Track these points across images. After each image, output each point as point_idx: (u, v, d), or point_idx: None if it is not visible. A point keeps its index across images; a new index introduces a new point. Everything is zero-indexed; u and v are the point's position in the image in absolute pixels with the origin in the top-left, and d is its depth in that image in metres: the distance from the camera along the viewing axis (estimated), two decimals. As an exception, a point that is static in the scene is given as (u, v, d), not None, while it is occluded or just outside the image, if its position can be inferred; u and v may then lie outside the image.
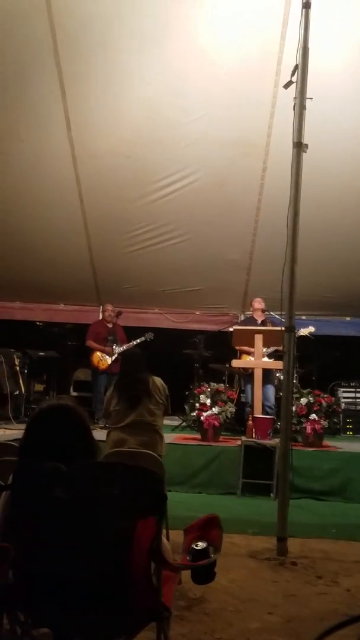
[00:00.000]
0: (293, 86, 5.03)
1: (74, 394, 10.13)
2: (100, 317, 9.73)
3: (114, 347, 9.04)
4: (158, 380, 4.97)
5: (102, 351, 9.18)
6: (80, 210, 8.84)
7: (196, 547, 2.62)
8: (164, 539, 2.60)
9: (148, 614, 2.34)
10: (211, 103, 7.42)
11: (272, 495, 6.61)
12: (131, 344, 9.07)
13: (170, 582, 2.61)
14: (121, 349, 8.97)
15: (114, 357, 8.93)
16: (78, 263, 9.70)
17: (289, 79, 5.05)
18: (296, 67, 4.97)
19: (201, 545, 2.62)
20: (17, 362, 9.42)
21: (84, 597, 2.29)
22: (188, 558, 2.63)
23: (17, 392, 9.26)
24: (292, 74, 5.01)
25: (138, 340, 9.14)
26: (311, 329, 8.68)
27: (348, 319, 10.83)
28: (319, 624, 3.24)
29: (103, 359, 9.17)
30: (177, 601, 3.54)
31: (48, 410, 2.52)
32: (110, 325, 9.39)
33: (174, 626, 3.19)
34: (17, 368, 9.44)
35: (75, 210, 8.83)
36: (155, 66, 7.12)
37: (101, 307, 9.87)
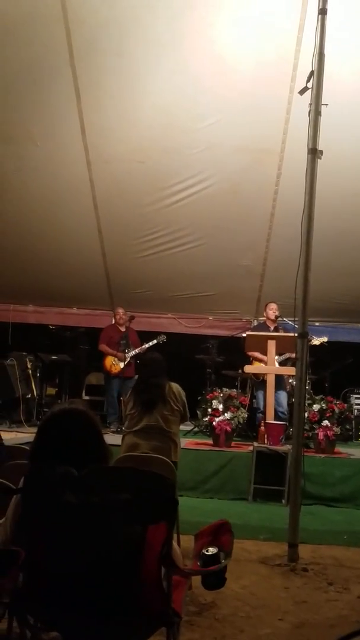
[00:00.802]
0: (308, 92, 5.03)
1: (86, 397, 10.15)
2: (113, 322, 9.72)
3: (126, 351, 9.04)
4: (175, 387, 4.96)
5: (115, 355, 9.18)
6: (94, 215, 8.88)
7: (207, 553, 2.61)
8: (175, 544, 2.60)
9: (158, 618, 2.34)
10: (226, 108, 7.43)
11: (283, 501, 6.59)
12: (144, 347, 9.08)
13: (180, 587, 2.61)
14: (134, 352, 8.98)
15: (126, 361, 8.94)
16: (91, 267, 9.73)
17: (305, 85, 5.05)
18: (312, 73, 4.97)
19: (212, 550, 2.61)
20: (29, 365, 9.46)
21: (94, 601, 2.30)
22: (199, 563, 2.63)
23: (29, 396, 9.30)
24: (308, 80, 5.01)
25: (150, 344, 9.13)
26: (324, 338, 8.66)
27: (361, 325, 10.80)
28: (329, 630, 3.23)
29: (115, 363, 9.18)
30: (187, 606, 3.54)
31: (60, 414, 2.53)
32: (123, 329, 9.38)
33: (184, 631, 3.19)
34: (30, 371, 9.48)
35: (89, 214, 8.86)
36: (170, 71, 7.14)
37: (113, 311, 9.87)
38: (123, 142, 7.90)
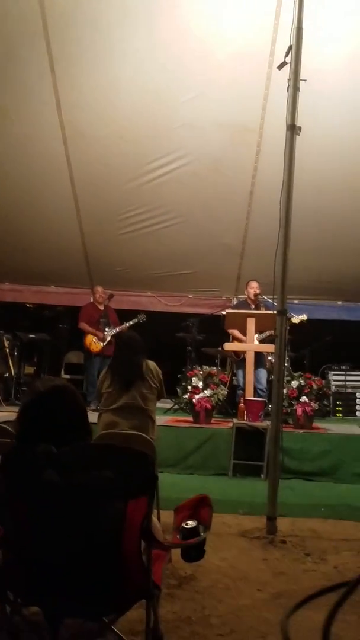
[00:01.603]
0: (287, 67, 5.01)
1: (66, 376, 10.15)
2: (91, 300, 9.68)
3: (106, 329, 9.03)
4: (152, 365, 4.97)
5: (95, 334, 9.17)
6: (71, 192, 8.80)
7: (186, 526, 2.65)
8: (154, 519, 2.63)
9: (138, 591, 2.37)
10: (204, 84, 7.37)
11: (262, 476, 6.68)
12: (124, 325, 9.08)
13: (160, 560, 2.65)
14: (114, 331, 8.98)
15: (107, 340, 8.94)
16: (69, 245, 9.67)
17: (283, 60, 5.03)
18: (290, 48, 4.94)
19: (191, 524, 2.65)
20: (6, 344, 9.43)
21: (75, 576, 2.32)
22: (178, 537, 2.67)
23: (7, 374, 9.27)
24: (286, 55, 4.98)
25: (131, 322, 9.14)
26: (304, 316, 8.71)
27: (340, 303, 10.86)
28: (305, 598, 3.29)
29: (96, 342, 9.17)
30: (168, 579, 3.59)
31: (47, 391, 2.52)
32: (102, 308, 9.37)
33: (164, 604, 3.24)
34: (7, 350, 9.45)
35: (67, 191, 8.79)
36: (147, 46, 7.07)
37: (91, 289, 9.82)
38: (100, 118, 7.82)
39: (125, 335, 5.61)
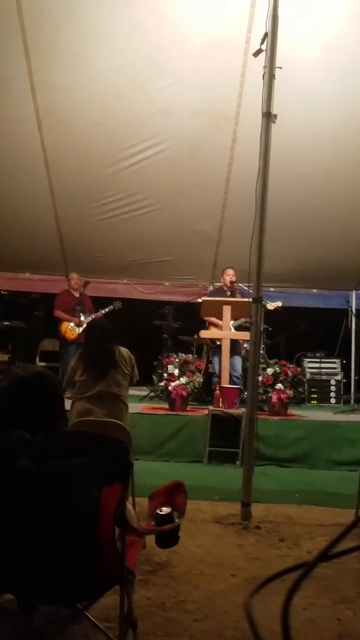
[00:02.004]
0: (263, 55, 5.00)
1: (41, 364, 10.09)
2: (66, 287, 9.63)
3: (81, 316, 8.99)
4: (124, 351, 4.97)
5: (71, 321, 9.14)
6: (46, 178, 8.70)
7: (161, 512, 2.67)
8: (128, 505, 2.64)
9: (112, 578, 2.38)
10: (180, 70, 7.31)
11: (238, 462, 6.74)
12: (100, 313, 9.06)
13: (134, 546, 2.66)
14: (90, 318, 8.94)
15: (83, 327, 8.90)
16: (44, 231, 9.58)
17: (259, 47, 5.02)
18: (265, 35, 4.94)
19: (165, 510, 2.67)
20: (-20, 331, 9.36)
21: (48, 563, 2.32)
22: (153, 523, 2.68)
23: (-19, 362, 9.21)
24: (262, 42, 4.98)
25: (107, 309, 9.11)
26: (279, 303, 8.76)
27: (315, 291, 10.95)
28: (280, 584, 3.33)
29: (72, 329, 9.13)
30: (143, 566, 3.61)
31: (26, 377, 2.50)
32: (77, 295, 9.32)
33: (139, 590, 3.26)
34: (-19, 337, 9.38)
35: (41, 177, 8.68)
36: (123, 32, 6.98)
37: (66, 276, 9.76)
38: (75, 103, 7.72)
39: (95, 323, 5.56)
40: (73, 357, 5.23)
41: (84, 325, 8.88)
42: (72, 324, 9.13)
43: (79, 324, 8.95)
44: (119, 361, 4.85)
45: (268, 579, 0.76)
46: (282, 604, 0.70)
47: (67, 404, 5.13)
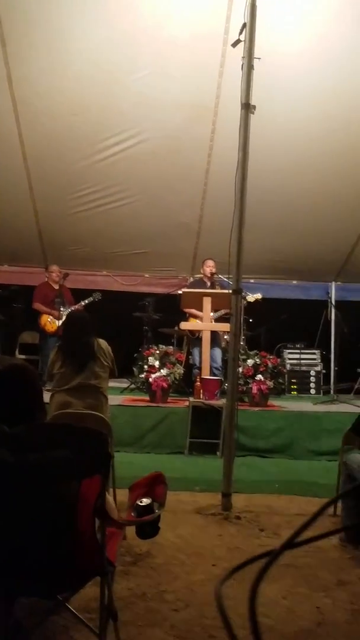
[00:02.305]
0: (241, 46, 4.99)
1: (21, 356, 10.03)
2: (46, 279, 9.57)
3: (61, 309, 8.95)
4: (103, 343, 4.96)
5: (50, 314, 9.10)
6: (24, 170, 8.63)
7: (141, 504, 2.67)
8: (108, 497, 2.64)
9: (92, 569, 2.39)
10: (158, 60, 7.27)
11: (218, 453, 6.75)
12: (80, 304, 9.03)
13: (115, 538, 2.67)
14: (69, 310, 8.90)
15: (62, 320, 8.87)
16: (23, 223, 9.50)
17: (237, 38, 5.01)
18: (244, 25, 4.93)
19: (145, 501, 2.67)
20: None
21: (29, 554, 2.32)
22: (133, 514, 2.69)
23: None
24: (240, 33, 4.97)
25: (86, 301, 9.09)
26: (259, 295, 8.78)
27: (295, 282, 10.99)
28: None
29: (51, 322, 9.09)
30: (123, 557, 3.62)
31: (7, 369, 2.50)
32: (56, 287, 9.28)
33: (120, 580, 3.27)
34: None
35: (19, 168, 8.60)
36: (100, 22, 6.93)
37: (45, 268, 9.70)
38: (53, 94, 7.65)
39: (73, 316, 5.52)
40: (52, 349, 5.22)
41: (63, 317, 8.84)
42: (51, 317, 9.09)
43: (58, 317, 8.91)
44: (97, 353, 4.84)
45: (237, 567, 0.76)
46: (250, 589, 0.71)
47: (47, 397, 5.14)
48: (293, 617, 3.04)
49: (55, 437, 2.40)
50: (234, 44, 5.07)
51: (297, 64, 7.19)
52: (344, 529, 3.56)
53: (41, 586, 2.42)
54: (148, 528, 2.69)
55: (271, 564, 0.73)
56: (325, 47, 7.01)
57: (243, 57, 4.95)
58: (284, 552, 0.75)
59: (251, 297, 8.64)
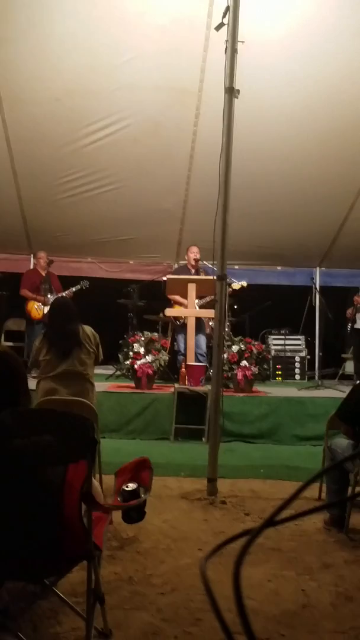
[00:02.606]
0: (225, 29, 4.96)
1: (8, 343, 10.00)
2: (32, 266, 9.52)
3: (48, 295, 8.94)
4: (88, 329, 4.94)
5: (37, 300, 9.07)
6: (7, 155, 8.54)
7: (127, 489, 2.68)
8: (95, 482, 2.65)
9: (79, 553, 2.40)
10: (142, 45, 7.20)
11: (204, 439, 6.79)
12: (69, 291, 9.01)
13: (101, 522, 2.68)
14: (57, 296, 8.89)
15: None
16: (7, 210, 9.42)
17: (220, 21, 4.97)
18: (227, 8, 4.89)
19: (132, 486, 2.68)
20: None
21: (15, 539, 2.33)
22: (119, 499, 2.70)
23: None
24: (224, 16, 4.93)
25: (74, 288, 9.09)
26: (244, 282, 8.80)
27: (279, 268, 11.02)
28: (245, 558, 3.38)
29: (38, 309, 9.08)
30: (110, 542, 3.64)
31: None
32: (44, 274, 9.27)
33: (106, 565, 3.28)
34: None
35: (3, 154, 8.51)
36: (82, 6, 6.85)
37: (33, 255, 9.64)
38: (37, 79, 7.56)
39: (58, 302, 5.50)
40: (37, 336, 5.20)
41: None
42: (38, 303, 9.07)
43: (45, 303, 8.88)
44: (83, 340, 4.83)
45: (221, 545, 0.77)
46: (234, 564, 0.71)
47: (32, 384, 5.13)
48: (278, 599, 3.07)
49: (40, 423, 2.41)
50: (218, 28, 5.04)
51: (281, 47, 7.14)
52: (325, 507, 3.59)
53: (28, 570, 2.43)
54: (134, 513, 2.70)
55: (253, 540, 0.73)
56: (310, 31, 6.97)
57: (226, 41, 4.92)
58: (265, 529, 0.76)
59: (237, 285, 8.66)
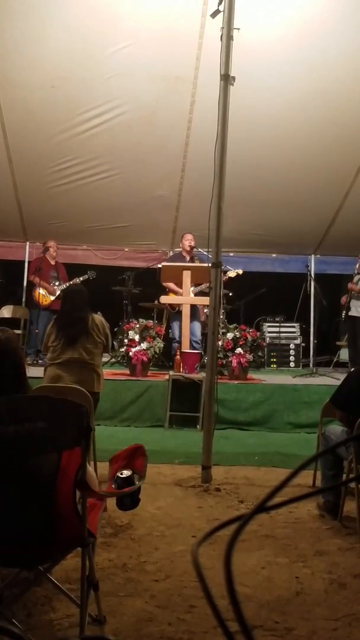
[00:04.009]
0: (220, 16, 4.93)
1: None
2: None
3: (55, 284, 9.01)
4: (98, 319, 4.96)
5: (45, 287, 9.12)
6: (3, 143, 8.48)
7: (121, 476, 2.69)
8: (89, 468, 2.66)
9: (73, 540, 2.41)
10: (136, 32, 7.15)
11: (198, 426, 6.81)
12: (75, 281, 9.03)
13: (95, 509, 2.69)
14: (63, 286, 8.91)
15: (57, 294, 8.94)
16: (2, 197, 9.37)
17: (216, 8, 4.94)
18: (223, -5, 4.86)
19: (126, 473, 2.69)
20: None
21: (9, 525, 2.33)
22: (113, 486, 2.71)
23: None
24: (219, 3, 4.90)
25: (81, 278, 9.11)
26: (239, 270, 8.79)
27: (274, 255, 11.01)
28: (239, 544, 3.41)
29: (45, 295, 9.12)
30: (104, 529, 3.65)
31: None
32: (53, 263, 9.37)
33: (100, 552, 3.30)
34: None
35: (-1, 142, 8.47)
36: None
37: (44, 243, 9.62)
38: (32, 66, 7.49)
39: (71, 289, 5.53)
40: (49, 323, 5.23)
41: (57, 292, 8.91)
42: (45, 290, 9.11)
43: (52, 292, 8.93)
44: (90, 329, 4.83)
45: (213, 530, 0.77)
46: (225, 548, 0.72)
47: (34, 371, 5.14)
48: (272, 586, 3.09)
49: (35, 410, 2.41)
50: (213, 15, 5.01)
51: (276, 34, 7.10)
52: (317, 492, 3.61)
53: (22, 557, 2.44)
54: (128, 500, 2.71)
55: (245, 525, 0.73)
56: (306, 18, 6.93)
57: (222, 28, 4.88)
58: (257, 515, 0.76)
59: (232, 272, 8.67)
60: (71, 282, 8.94)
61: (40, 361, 8.59)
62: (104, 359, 8.83)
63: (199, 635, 2.56)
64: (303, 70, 7.43)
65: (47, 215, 9.79)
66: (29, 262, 9.57)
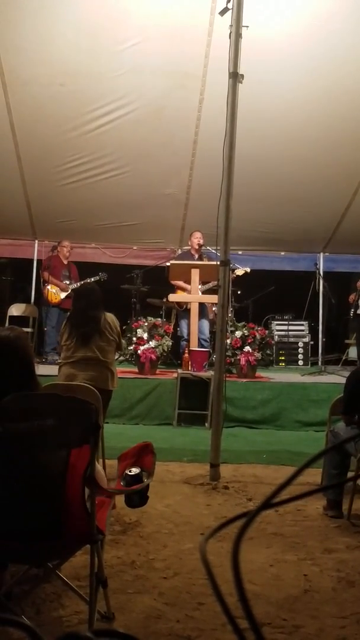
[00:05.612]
0: (229, 14, 4.92)
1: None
2: (55, 253, 9.51)
3: (66, 282, 9.05)
4: (110, 317, 4.97)
5: (57, 285, 9.15)
6: (12, 140, 8.50)
7: (130, 473, 2.70)
8: (98, 466, 2.67)
9: (82, 537, 2.42)
10: (146, 30, 7.15)
11: (207, 424, 6.81)
12: (86, 281, 9.05)
13: (104, 507, 2.70)
14: (75, 285, 8.94)
15: (68, 293, 8.97)
16: (11, 196, 9.39)
17: (225, 6, 4.93)
18: (232, -8, 4.86)
19: (134, 471, 2.70)
20: None
21: (19, 522, 2.35)
22: (122, 483, 2.72)
23: None
24: (228, 1, 4.89)
25: (93, 279, 9.12)
26: (247, 269, 8.79)
27: (282, 253, 10.97)
28: (247, 542, 3.41)
29: (56, 293, 9.15)
30: (113, 526, 3.66)
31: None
32: (65, 262, 9.42)
33: (109, 549, 3.31)
34: None
35: (7, 139, 8.48)
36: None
37: (58, 243, 9.64)
38: (42, 64, 7.51)
39: (84, 288, 5.56)
40: (63, 322, 5.26)
41: (69, 290, 8.95)
42: (56, 288, 9.14)
43: (64, 290, 9.04)
44: (103, 327, 4.84)
45: (219, 526, 0.78)
46: (233, 543, 0.72)
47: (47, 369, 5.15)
48: (280, 584, 3.09)
49: (44, 407, 2.42)
50: (222, 13, 5.00)
51: (285, 32, 7.08)
52: (321, 489, 3.61)
53: (31, 553, 2.45)
54: (137, 497, 2.72)
55: (252, 521, 0.74)
56: (314, 15, 6.91)
57: (231, 26, 4.88)
58: (263, 511, 0.77)
59: (240, 270, 8.66)
60: (83, 282, 8.95)
61: (48, 359, 8.62)
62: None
63: (207, 633, 2.57)
64: (312, 66, 7.40)
65: (56, 213, 9.80)
66: (40, 261, 9.59)
